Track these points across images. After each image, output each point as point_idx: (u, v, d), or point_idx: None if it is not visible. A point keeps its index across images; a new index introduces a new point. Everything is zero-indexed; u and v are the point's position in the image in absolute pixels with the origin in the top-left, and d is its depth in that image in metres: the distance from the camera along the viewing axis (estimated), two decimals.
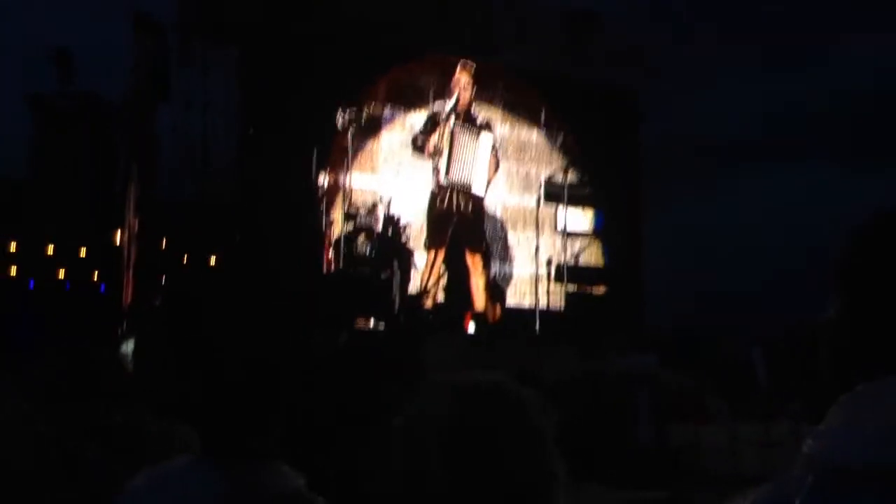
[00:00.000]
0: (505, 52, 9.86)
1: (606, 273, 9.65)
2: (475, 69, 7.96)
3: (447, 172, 7.78)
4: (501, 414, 1.15)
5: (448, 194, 7.87)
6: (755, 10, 10.57)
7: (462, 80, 7.87)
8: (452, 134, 7.76)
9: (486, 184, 7.88)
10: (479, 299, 8.10)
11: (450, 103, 7.83)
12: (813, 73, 10.27)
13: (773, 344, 7.60)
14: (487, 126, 8.08)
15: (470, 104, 8.04)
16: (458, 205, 7.89)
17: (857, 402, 1.04)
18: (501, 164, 9.12)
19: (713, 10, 10.49)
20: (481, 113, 8.34)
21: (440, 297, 8.17)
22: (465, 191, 7.86)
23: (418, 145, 8.06)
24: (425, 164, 8.11)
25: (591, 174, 9.47)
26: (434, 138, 7.85)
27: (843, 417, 1.02)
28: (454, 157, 7.76)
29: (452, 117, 7.81)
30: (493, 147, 7.93)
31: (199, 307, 6.75)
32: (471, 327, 7.75)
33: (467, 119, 7.98)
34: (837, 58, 10.49)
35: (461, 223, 7.92)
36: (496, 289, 8.92)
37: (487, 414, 1.15)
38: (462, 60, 7.98)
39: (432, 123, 7.99)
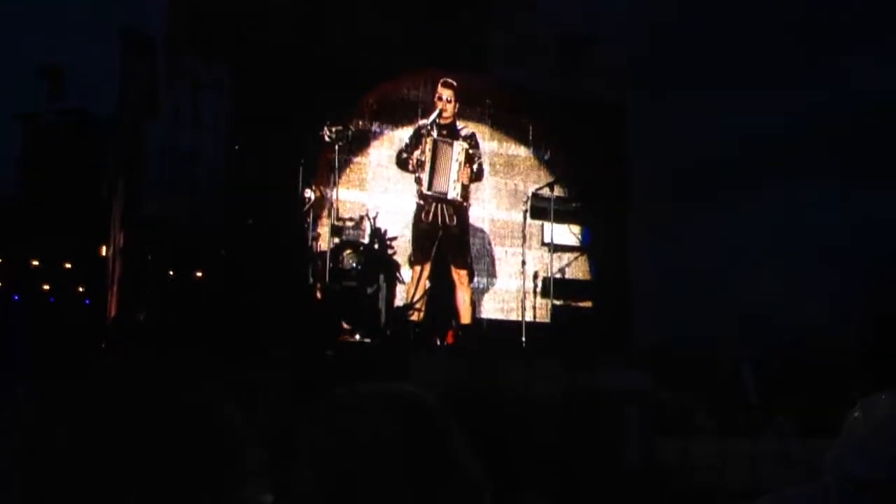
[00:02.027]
0: (496, 69, 9.92)
1: (593, 288, 9.64)
2: (460, 84, 8.01)
3: (430, 185, 7.81)
4: (406, 420, 1.17)
5: (433, 207, 7.88)
6: (756, 28, 10.58)
7: (444, 96, 7.91)
8: (434, 146, 7.79)
9: (460, 188, 7.85)
10: (466, 313, 8.10)
11: (432, 117, 7.87)
12: (814, 89, 10.24)
13: (762, 360, 7.60)
14: (469, 137, 8.09)
15: (453, 119, 8.07)
16: (444, 218, 7.89)
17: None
18: (490, 179, 9.14)
19: (714, 28, 10.49)
20: (466, 128, 8.37)
21: (426, 310, 8.17)
22: (448, 202, 7.87)
23: (402, 160, 8.09)
24: (411, 179, 8.13)
25: (578, 190, 9.49)
26: (417, 152, 7.89)
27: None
28: (436, 168, 7.79)
29: (434, 130, 7.85)
30: (469, 154, 7.91)
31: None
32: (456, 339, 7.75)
33: (450, 132, 8.01)
34: (840, 73, 10.46)
35: (446, 237, 7.93)
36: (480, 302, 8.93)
37: (393, 421, 1.16)
38: (443, 78, 8.02)
39: (416, 138, 8.02)
